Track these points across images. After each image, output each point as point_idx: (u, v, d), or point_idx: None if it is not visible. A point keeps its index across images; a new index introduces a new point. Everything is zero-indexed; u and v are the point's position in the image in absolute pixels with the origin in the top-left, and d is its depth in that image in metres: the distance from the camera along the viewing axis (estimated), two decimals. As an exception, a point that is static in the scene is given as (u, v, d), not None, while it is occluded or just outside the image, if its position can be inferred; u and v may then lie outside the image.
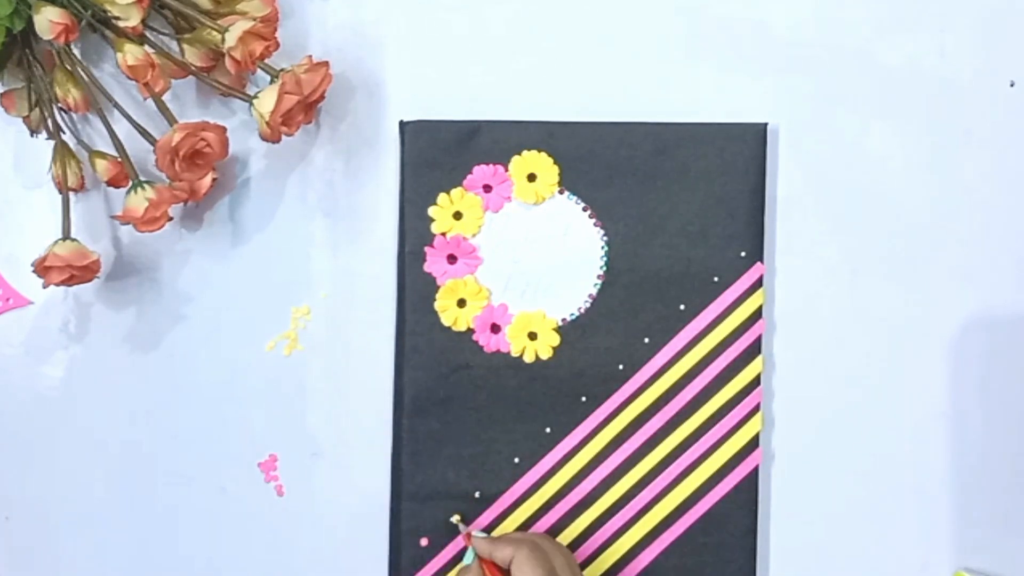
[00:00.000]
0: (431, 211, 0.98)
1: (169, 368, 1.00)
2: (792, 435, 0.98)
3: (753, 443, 0.97)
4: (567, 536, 0.96)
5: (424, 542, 0.97)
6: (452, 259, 0.98)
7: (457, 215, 0.98)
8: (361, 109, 0.99)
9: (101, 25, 0.93)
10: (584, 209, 0.97)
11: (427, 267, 0.97)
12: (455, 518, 0.96)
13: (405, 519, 0.97)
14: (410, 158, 0.98)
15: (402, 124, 0.98)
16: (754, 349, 0.97)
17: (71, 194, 0.96)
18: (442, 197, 0.98)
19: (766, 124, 0.98)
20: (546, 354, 0.97)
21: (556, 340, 0.97)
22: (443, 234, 0.98)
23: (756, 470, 0.97)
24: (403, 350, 0.97)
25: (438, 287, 0.97)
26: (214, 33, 0.92)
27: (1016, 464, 0.97)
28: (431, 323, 0.97)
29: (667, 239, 0.97)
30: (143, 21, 0.92)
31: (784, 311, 0.98)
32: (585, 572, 0.96)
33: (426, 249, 0.98)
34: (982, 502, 0.97)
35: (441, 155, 0.98)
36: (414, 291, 0.97)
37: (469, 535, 0.93)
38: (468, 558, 0.92)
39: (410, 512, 0.97)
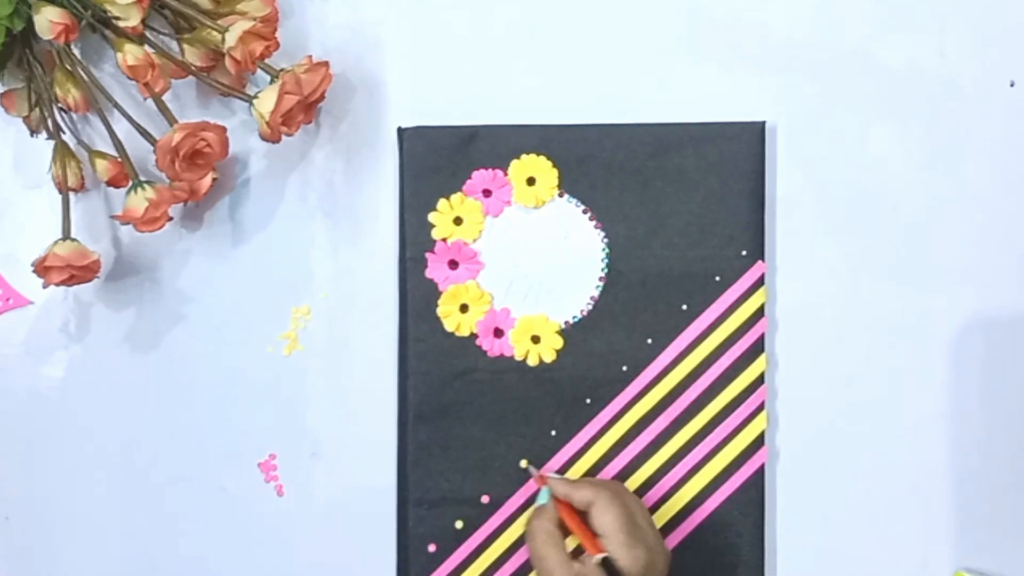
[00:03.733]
0: (431, 217, 0.98)
1: (169, 368, 1.00)
2: (797, 433, 0.98)
3: (758, 442, 0.97)
4: (575, 539, 0.96)
5: (432, 548, 0.97)
6: (453, 264, 0.98)
7: (457, 220, 0.98)
8: (361, 109, 0.99)
9: (101, 25, 0.93)
10: (584, 211, 0.97)
11: (428, 273, 0.97)
12: (523, 463, 0.96)
13: (412, 525, 0.97)
14: (409, 164, 0.98)
15: (400, 131, 0.98)
16: (757, 348, 0.97)
17: (71, 194, 0.96)
18: (442, 203, 0.98)
19: (764, 123, 0.98)
20: (549, 357, 0.97)
21: (559, 343, 0.97)
22: (444, 240, 0.97)
23: (762, 469, 0.97)
24: (406, 356, 0.97)
25: (440, 293, 0.97)
26: (214, 33, 0.92)
27: (1016, 464, 0.97)
28: (434, 329, 0.97)
29: (668, 239, 0.97)
30: (143, 21, 0.91)
31: (786, 309, 0.98)
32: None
33: (427, 255, 0.98)
34: (982, 502, 0.97)
35: (440, 161, 0.98)
36: (416, 297, 0.97)
37: (543, 477, 0.93)
38: (543, 498, 0.91)
39: (417, 518, 0.97)
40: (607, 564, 0.86)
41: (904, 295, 0.98)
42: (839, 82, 0.99)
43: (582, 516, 0.90)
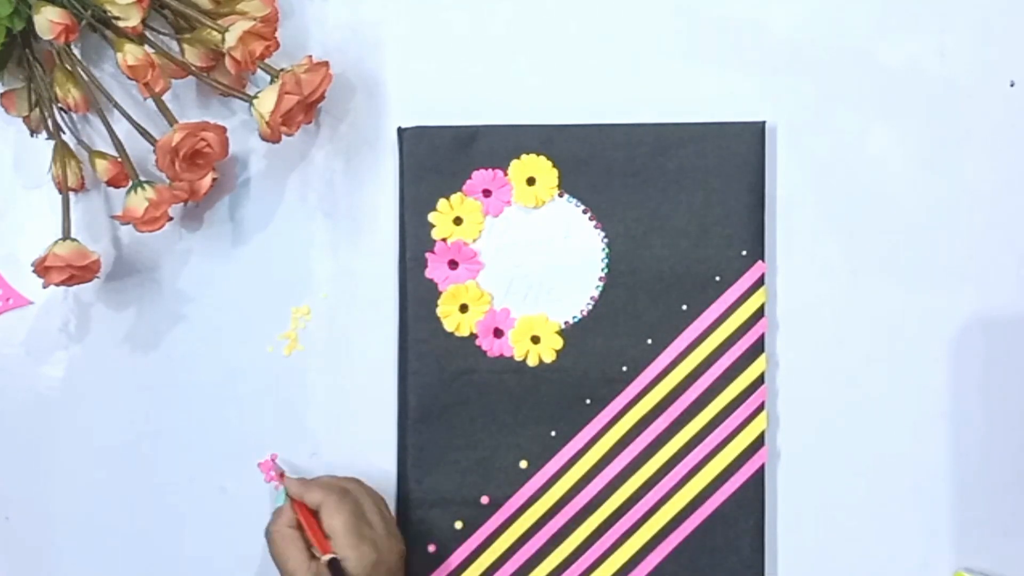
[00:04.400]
0: (431, 217, 0.98)
1: (169, 368, 1.00)
2: (797, 433, 0.98)
3: (759, 442, 0.97)
4: (575, 538, 0.97)
5: (431, 548, 0.97)
6: (453, 264, 0.98)
7: (457, 220, 0.98)
8: (361, 109, 0.99)
9: (101, 25, 0.93)
10: (584, 211, 0.97)
11: (428, 273, 0.97)
12: (273, 457, 0.97)
13: (412, 525, 0.97)
14: (409, 164, 0.98)
15: (400, 131, 0.98)
16: (757, 348, 0.97)
17: (71, 194, 0.96)
18: (442, 203, 0.98)
19: (764, 123, 0.98)
20: (549, 357, 0.97)
21: (559, 343, 0.97)
22: (444, 240, 0.97)
23: (762, 469, 0.97)
24: (406, 356, 0.98)
25: (440, 293, 0.97)
26: (214, 33, 0.92)
27: (1016, 464, 0.97)
28: (434, 329, 0.97)
29: (668, 239, 0.97)
30: (143, 21, 0.91)
31: (786, 309, 0.98)
32: (594, 575, 0.96)
33: (427, 255, 0.98)
34: (982, 502, 0.97)
35: (440, 161, 0.98)
36: (416, 297, 0.97)
37: (283, 475, 0.94)
38: (280, 499, 0.92)
39: (417, 518, 0.97)
40: (335, 564, 0.87)
41: (904, 295, 0.98)
42: (839, 82, 0.99)
43: (316, 516, 0.91)
